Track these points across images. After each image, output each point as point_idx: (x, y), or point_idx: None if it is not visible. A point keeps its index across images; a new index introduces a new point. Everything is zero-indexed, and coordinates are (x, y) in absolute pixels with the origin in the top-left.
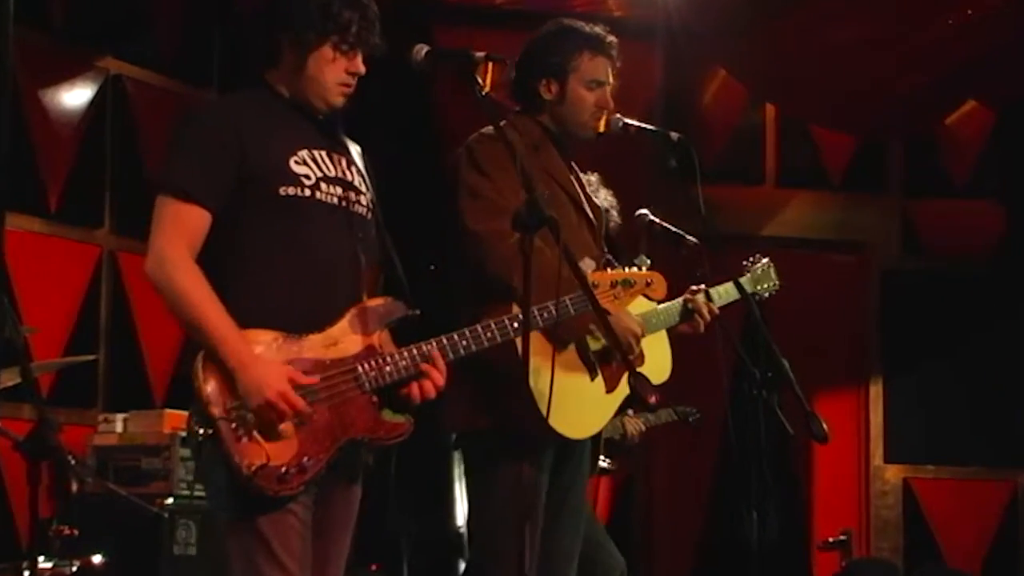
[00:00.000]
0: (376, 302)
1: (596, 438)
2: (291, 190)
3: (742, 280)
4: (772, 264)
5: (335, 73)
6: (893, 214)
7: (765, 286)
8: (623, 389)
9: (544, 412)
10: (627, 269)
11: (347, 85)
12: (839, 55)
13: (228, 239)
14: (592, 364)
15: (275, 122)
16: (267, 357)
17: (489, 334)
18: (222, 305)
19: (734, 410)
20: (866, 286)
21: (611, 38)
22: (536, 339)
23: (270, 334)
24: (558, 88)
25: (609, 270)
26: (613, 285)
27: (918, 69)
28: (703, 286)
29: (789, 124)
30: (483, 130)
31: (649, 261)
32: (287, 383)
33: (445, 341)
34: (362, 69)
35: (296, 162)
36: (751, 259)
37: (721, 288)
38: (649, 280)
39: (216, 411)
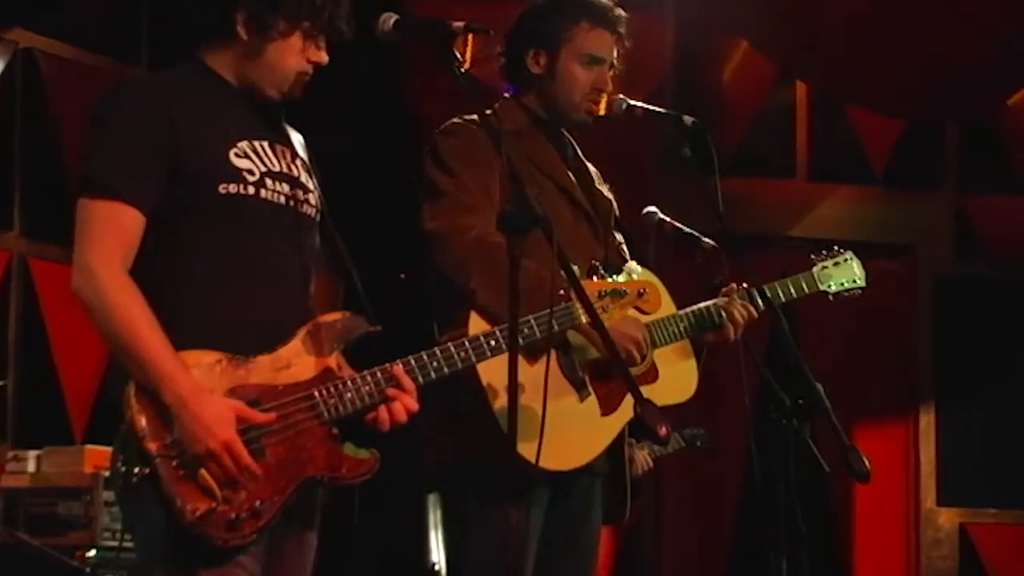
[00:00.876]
0: (332, 317)
1: (615, 478)
2: (232, 187)
3: (804, 276)
4: (855, 258)
5: (298, 62)
6: (947, 212)
7: (843, 283)
8: (626, 411)
9: (513, 440)
10: (615, 277)
11: (308, 75)
12: (882, 22)
13: (160, 245)
14: (580, 380)
15: (211, 107)
16: (209, 383)
17: (463, 354)
18: (161, 329)
19: (759, 442)
20: (915, 296)
21: (619, 12)
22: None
23: (212, 355)
24: (547, 61)
25: (595, 278)
26: (600, 296)
27: (976, 38)
28: (744, 285)
29: (824, 105)
30: (454, 119)
31: (639, 268)
32: (233, 429)
33: (413, 362)
34: (325, 58)
35: (236, 155)
36: (824, 252)
37: (779, 285)
38: (642, 289)
39: (154, 446)
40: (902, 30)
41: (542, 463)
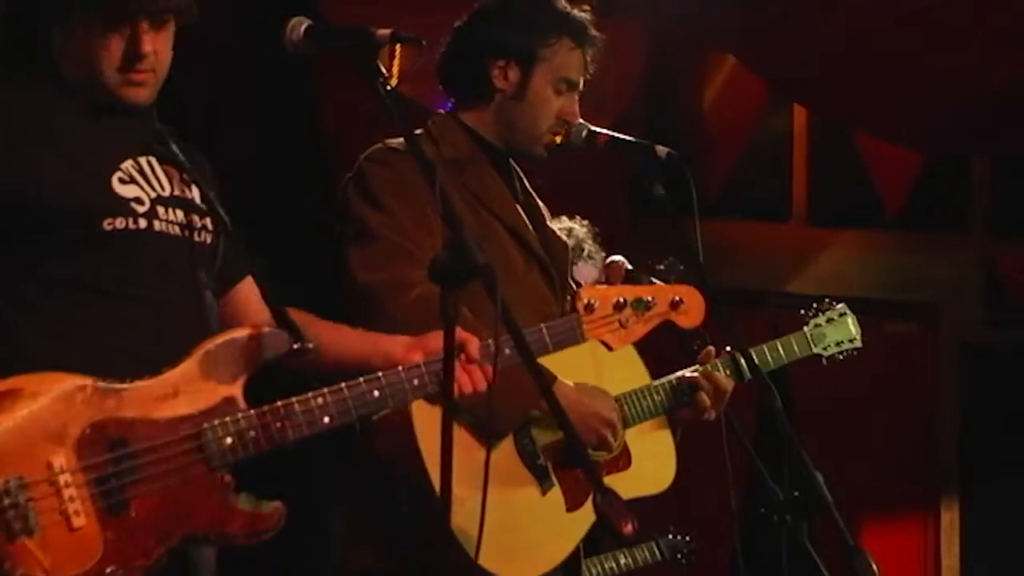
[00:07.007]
0: (241, 333)
1: None
2: (120, 222)
3: (796, 337)
4: (850, 312)
5: (108, 59)
6: (975, 263)
7: (837, 342)
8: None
9: (472, 546)
10: (642, 281)
11: (135, 71)
12: (895, 35)
13: (12, 295)
14: (542, 469)
15: (80, 123)
16: (62, 417)
17: (377, 392)
18: None
19: (746, 544)
20: (936, 365)
21: (595, 32)
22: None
23: (74, 380)
24: (519, 77)
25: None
26: (618, 307)
27: (1007, 57)
28: (727, 349)
29: (826, 134)
30: (381, 144)
31: (682, 267)
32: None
33: (348, 390)
34: (146, 47)
35: (121, 179)
36: (815, 306)
37: (767, 348)
38: (676, 298)
39: None
40: (919, 45)
41: (499, 572)
